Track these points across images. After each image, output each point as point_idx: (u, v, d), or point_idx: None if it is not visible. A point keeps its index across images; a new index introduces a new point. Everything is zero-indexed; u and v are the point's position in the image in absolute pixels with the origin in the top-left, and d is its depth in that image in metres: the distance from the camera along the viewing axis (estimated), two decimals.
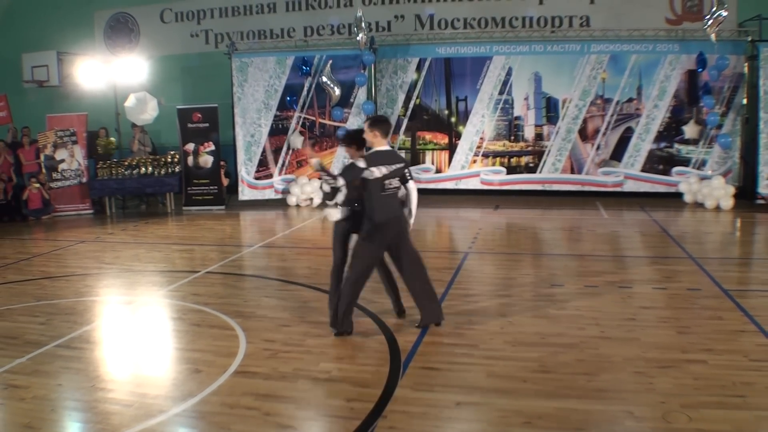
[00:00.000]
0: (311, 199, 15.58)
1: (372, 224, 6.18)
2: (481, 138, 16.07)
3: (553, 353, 5.68)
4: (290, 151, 16.16)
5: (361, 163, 6.00)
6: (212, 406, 4.82)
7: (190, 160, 15.77)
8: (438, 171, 16.42)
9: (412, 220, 6.54)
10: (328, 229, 12.25)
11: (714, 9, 13.51)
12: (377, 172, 6.02)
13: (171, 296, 7.96)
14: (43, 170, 15.03)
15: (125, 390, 5.15)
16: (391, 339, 6.10)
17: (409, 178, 6.37)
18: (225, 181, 16.30)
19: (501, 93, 15.85)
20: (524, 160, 16.00)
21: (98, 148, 16.15)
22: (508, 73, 15.74)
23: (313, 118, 16.16)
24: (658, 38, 15.04)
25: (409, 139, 16.53)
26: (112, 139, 16.84)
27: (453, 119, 16.27)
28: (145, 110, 15.98)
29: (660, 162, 15.23)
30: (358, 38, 15.11)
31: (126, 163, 15.42)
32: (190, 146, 15.79)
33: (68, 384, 5.28)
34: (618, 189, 15.50)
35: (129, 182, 15.28)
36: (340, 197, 6.32)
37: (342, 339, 6.19)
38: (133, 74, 16.96)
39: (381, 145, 6.22)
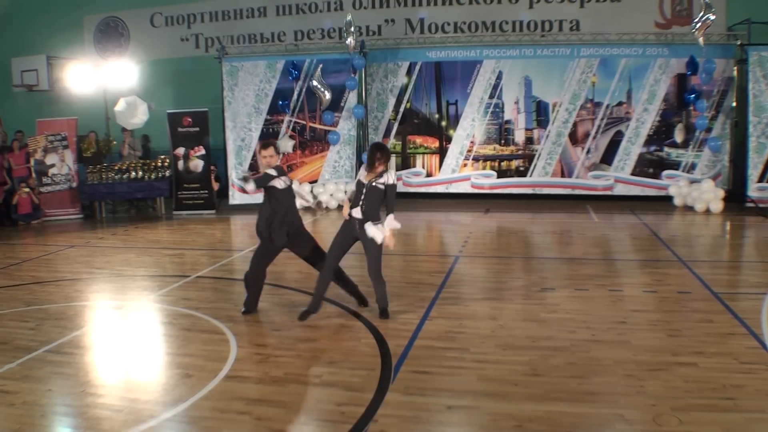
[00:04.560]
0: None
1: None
2: (472, 142, 16.10)
3: (544, 356, 5.69)
4: (280, 156, 16.13)
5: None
6: (203, 410, 4.81)
7: (181, 164, 15.73)
8: (428, 175, 16.44)
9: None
10: (318, 233, 12.26)
11: (701, 13, 13.59)
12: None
13: (161, 301, 7.93)
14: (33, 175, 14.97)
15: (116, 395, 5.12)
16: (381, 343, 6.10)
17: None
18: (215, 186, 16.27)
19: (491, 97, 15.88)
20: (515, 163, 16.03)
21: (88, 153, 16.03)
22: (499, 77, 15.77)
23: (304, 122, 16.16)
24: (648, 42, 15.11)
25: (400, 143, 16.54)
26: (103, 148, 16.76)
27: (443, 123, 16.29)
28: (135, 114, 15.92)
29: (650, 165, 15.30)
30: (347, 42, 15.12)
31: (116, 168, 15.35)
32: (181, 150, 15.74)
33: (58, 389, 5.25)
34: (608, 192, 15.55)
35: (119, 187, 15.20)
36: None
37: (332, 343, 6.19)
38: (123, 78, 16.92)
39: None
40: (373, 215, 6.77)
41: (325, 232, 13.22)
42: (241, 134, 16.13)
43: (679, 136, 14.93)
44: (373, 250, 6.78)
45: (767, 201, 14.05)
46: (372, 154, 6.87)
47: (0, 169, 14.99)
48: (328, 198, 15.42)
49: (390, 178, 6.83)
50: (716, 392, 4.88)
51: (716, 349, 5.75)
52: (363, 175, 6.97)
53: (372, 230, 6.71)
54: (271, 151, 6.93)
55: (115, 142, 16.98)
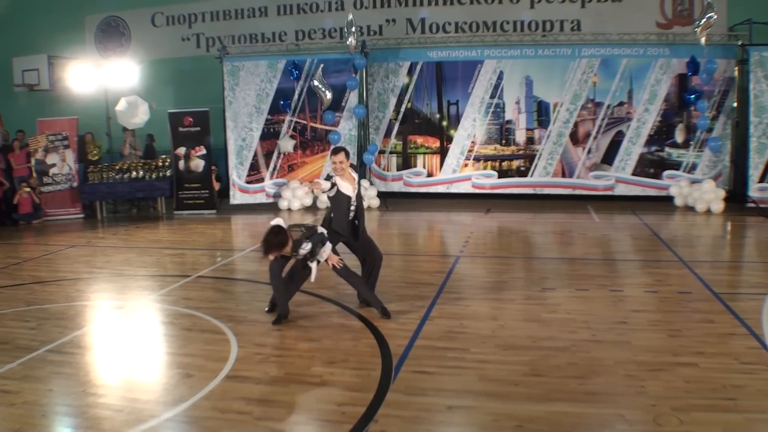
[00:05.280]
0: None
1: None
2: (473, 142, 16.10)
3: (545, 357, 5.69)
4: (281, 155, 16.15)
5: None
6: (204, 410, 4.81)
7: (181, 164, 15.74)
8: (429, 175, 16.44)
9: None
10: None
11: (703, 13, 13.57)
12: None
13: (162, 301, 7.93)
14: (34, 174, 14.97)
15: (116, 395, 5.12)
16: (382, 343, 6.10)
17: None
18: (216, 186, 16.28)
19: (492, 97, 15.88)
20: (515, 163, 16.03)
21: (88, 155, 16.02)
22: (500, 77, 15.77)
23: (305, 122, 16.16)
24: (649, 42, 15.10)
25: (401, 143, 16.54)
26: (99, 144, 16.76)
27: (444, 123, 16.29)
28: (136, 114, 15.92)
29: (651, 166, 15.29)
30: (348, 42, 15.10)
31: (117, 168, 15.36)
32: (182, 150, 15.75)
33: (59, 389, 5.25)
34: (609, 193, 15.54)
35: (120, 186, 15.20)
36: None
37: (333, 343, 6.20)
38: (124, 78, 16.91)
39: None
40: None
41: None
42: (242, 134, 16.12)
43: (679, 137, 14.92)
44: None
45: None
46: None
47: None
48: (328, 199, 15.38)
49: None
50: (717, 392, 4.87)
51: (717, 350, 5.75)
52: None
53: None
54: (341, 156, 7.03)
55: (100, 146, 16.87)
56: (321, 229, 6.76)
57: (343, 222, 7.10)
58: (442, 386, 5.14)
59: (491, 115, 15.97)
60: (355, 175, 7.18)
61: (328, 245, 6.76)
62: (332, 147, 7.58)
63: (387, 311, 6.89)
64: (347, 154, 7.10)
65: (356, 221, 7.19)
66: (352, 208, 7.12)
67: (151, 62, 18.83)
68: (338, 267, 6.81)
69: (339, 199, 7.08)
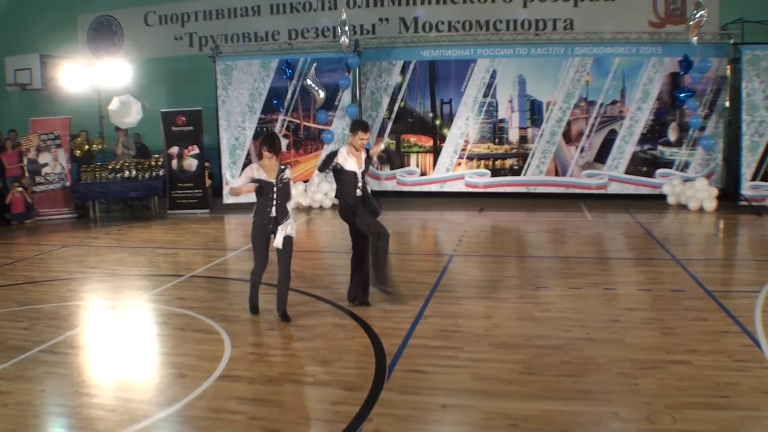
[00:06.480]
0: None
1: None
2: (466, 141, 16.10)
3: (538, 355, 5.70)
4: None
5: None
6: (197, 410, 4.80)
7: (174, 163, 15.70)
8: (423, 174, 16.42)
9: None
10: (313, 232, 12.25)
11: (694, 12, 13.60)
12: None
13: (155, 300, 7.92)
14: (26, 174, 14.92)
15: (109, 395, 5.11)
16: (376, 342, 6.10)
17: None
18: (208, 182, 16.22)
19: (485, 96, 15.88)
20: (509, 162, 16.03)
21: (76, 152, 15.98)
22: (493, 76, 15.77)
23: (298, 121, 16.15)
24: (642, 41, 15.12)
25: (394, 141, 16.53)
26: (96, 144, 16.71)
27: (438, 122, 16.28)
28: (128, 113, 15.87)
29: (644, 164, 15.31)
30: (341, 41, 15.09)
31: (110, 167, 15.31)
32: (174, 149, 15.71)
33: (52, 389, 5.24)
34: (602, 191, 15.56)
35: (113, 186, 15.15)
36: None
37: (327, 342, 6.19)
38: (117, 77, 16.87)
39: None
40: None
41: (319, 231, 13.22)
42: (235, 133, 16.10)
43: (672, 135, 14.94)
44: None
45: (760, 199, 14.09)
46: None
47: None
48: (322, 197, 15.39)
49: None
50: (710, 390, 4.89)
51: (710, 347, 5.77)
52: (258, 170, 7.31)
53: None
54: (368, 134, 7.14)
55: (97, 145, 16.84)
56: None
57: (352, 198, 7.12)
58: (436, 385, 5.15)
59: (484, 113, 15.97)
60: (364, 153, 7.20)
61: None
62: (355, 120, 7.68)
63: (255, 310, 7.11)
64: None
65: (364, 198, 7.20)
66: (359, 184, 7.13)
67: (143, 61, 18.79)
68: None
69: (345, 177, 7.16)
